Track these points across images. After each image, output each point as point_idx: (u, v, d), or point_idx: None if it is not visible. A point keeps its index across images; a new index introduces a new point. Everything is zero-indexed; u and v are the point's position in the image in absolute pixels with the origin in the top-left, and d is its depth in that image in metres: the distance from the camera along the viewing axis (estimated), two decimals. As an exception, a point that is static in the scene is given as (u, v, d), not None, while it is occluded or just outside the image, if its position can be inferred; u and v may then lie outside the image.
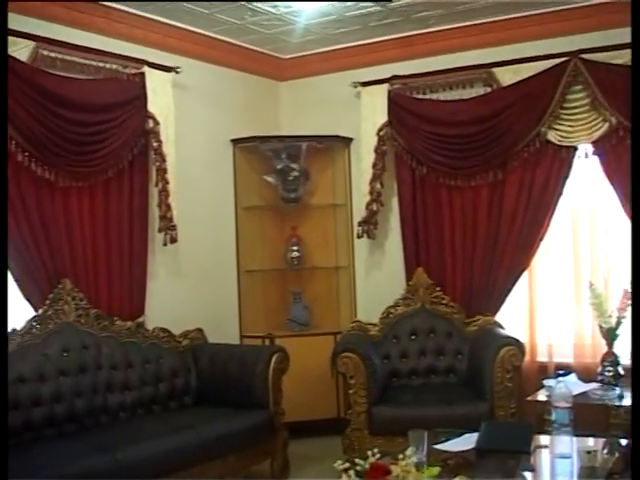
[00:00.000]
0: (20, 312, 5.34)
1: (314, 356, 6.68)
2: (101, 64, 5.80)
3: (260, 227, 7.33)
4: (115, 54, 5.88)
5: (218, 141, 7.03)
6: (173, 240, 6.21)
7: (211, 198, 6.93)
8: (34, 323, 5.25)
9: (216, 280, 6.95)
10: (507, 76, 6.38)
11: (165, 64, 6.21)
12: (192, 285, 6.66)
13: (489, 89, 6.52)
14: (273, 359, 5.78)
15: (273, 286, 7.41)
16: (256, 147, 7.18)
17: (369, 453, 2.92)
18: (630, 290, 5.15)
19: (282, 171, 7.18)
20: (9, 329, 5.10)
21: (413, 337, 6.47)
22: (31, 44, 5.26)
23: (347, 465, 2.85)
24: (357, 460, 2.87)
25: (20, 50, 5.18)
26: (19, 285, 5.26)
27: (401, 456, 2.98)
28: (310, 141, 7.17)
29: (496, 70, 6.43)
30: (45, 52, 5.39)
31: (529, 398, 5.61)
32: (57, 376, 5.19)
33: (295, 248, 7.29)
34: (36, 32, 5.32)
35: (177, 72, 6.29)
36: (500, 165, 6.41)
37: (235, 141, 7.14)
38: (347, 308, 7.33)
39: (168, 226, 6.18)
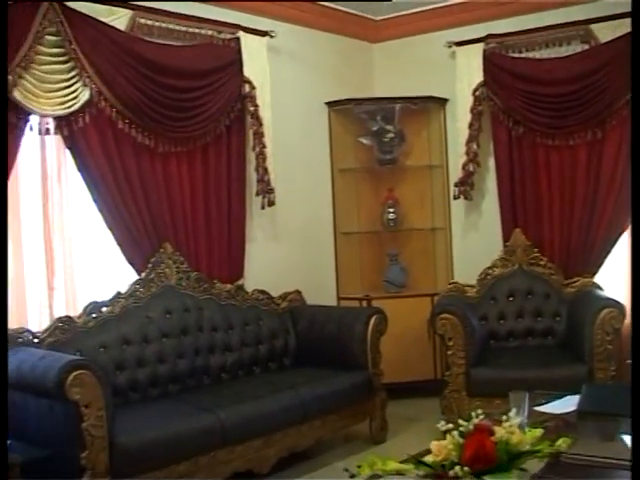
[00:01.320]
0: (124, 276, 5.48)
1: (411, 317, 6.71)
2: (197, 30, 5.85)
3: (356, 189, 7.34)
4: (210, 20, 5.93)
5: (313, 104, 7.04)
6: (271, 203, 6.26)
7: (307, 161, 6.96)
8: (137, 286, 5.38)
9: (313, 242, 7.00)
10: (605, 32, 6.21)
11: (259, 29, 6.23)
12: (289, 247, 6.72)
13: (587, 46, 6.37)
14: (372, 321, 5.79)
15: (369, 248, 7.42)
16: (351, 109, 7.16)
17: (473, 414, 2.92)
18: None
19: (377, 133, 7.16)
20: (114, 292, 5.25)
21: (511, 298, 6.43)
22: (129, 13, 5.35)
23: (450, 426, 2.86)
24: (461, 421, 2.88)
25: (118, 19, 5.28)
26: (122, 250, 5.39)
27: (504, 417, 2.98)
28: (405, 102, 7.12)
29: (594, 26, 6.28)
30: (142, 20, 5.48)
31: (629, 361, 5.53)
32: (160, 338, 5.31)
33: (391, 210, 7.27)
34: (133, 1, 5.40)
35: (271, 36, 6.31)
36: (599, 124, 6.28)
37: (330, 104, 7.13)
38: (443, 269, 7.30)
39: (265, 189, 6.23)
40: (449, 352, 5.77)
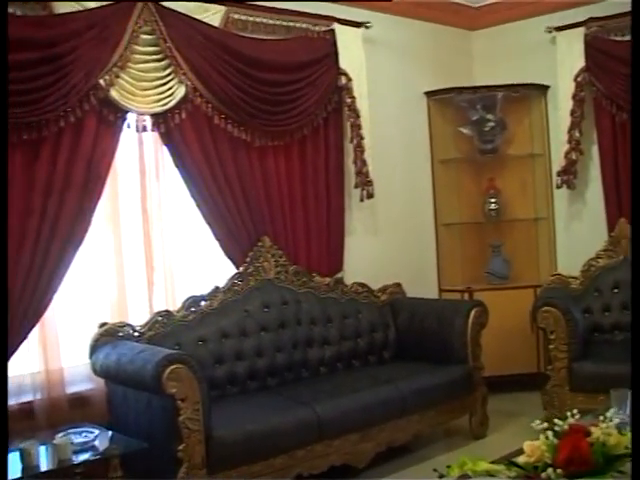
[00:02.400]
0: (222, 270, 5.52)
1: (513, 310, 6.59)
2: (291, 24, 5.85)
3: (457, 179, 7.24)
4: (304, 13, 5.91)
5: (411, 94, 6.96)
6: (370, 195, 6.22)
7: (406, 152, 6.90)
8: (236, 280, 5.42)
9: (413, 234, 6.93)
10: None
11: (354, 20, 6.19)
12: (389, 240, 6.67)
13: (696, 25, 6.15)
14: (472, 314, 5.70)
15: (471, 239, 7.32)
16: (450, 99, 7.07)
17: (568, 414, 2.84)
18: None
19: (477, 122, 7.04)
20: (212, 287, 5.30)
21: (615, 290, 6.22)
22: (222, 9, 5.37)
23: (545, 425, 2.79)
24: (556, 420, 2.80)
25: (212, 16, 5.31)
26: (221, 244, 5.43)
27: (602, 418, 2.88)
28: (505, 90, 6.97)
29: None
30: (236, 16, 5.50)
31: None
32: (258, 331, 5.34)
33: (493, 200, 7.15)
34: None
35: (367, 27, 6.26)
36: None
37: (428, 94, 7.05)
38: (546, 261, 7.14)
39: (364, 182, 6.19)
40: (551, 346, 5.64)
